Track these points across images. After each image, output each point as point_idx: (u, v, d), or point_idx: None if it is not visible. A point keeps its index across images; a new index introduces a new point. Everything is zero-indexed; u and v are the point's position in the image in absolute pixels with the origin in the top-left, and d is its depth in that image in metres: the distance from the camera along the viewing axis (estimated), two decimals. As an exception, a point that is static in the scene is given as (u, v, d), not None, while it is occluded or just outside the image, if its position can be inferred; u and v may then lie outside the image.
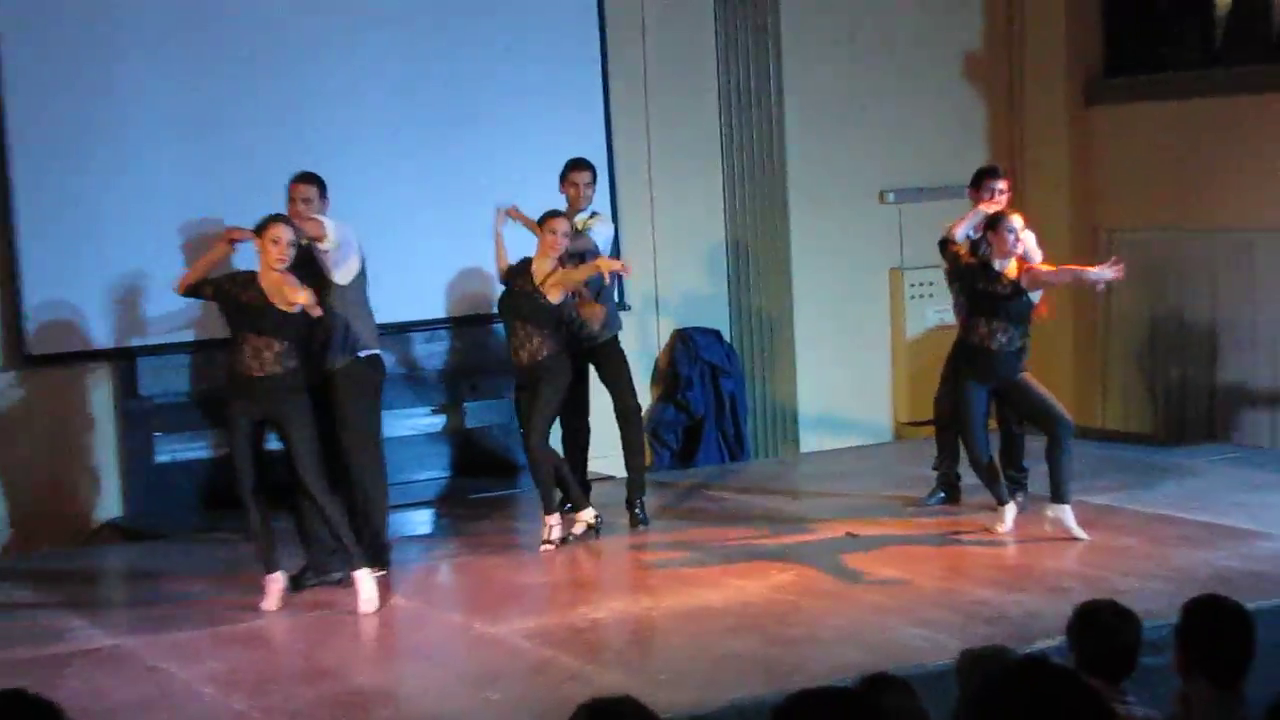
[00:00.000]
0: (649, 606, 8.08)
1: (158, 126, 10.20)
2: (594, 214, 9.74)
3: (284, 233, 8.09)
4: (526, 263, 9.22)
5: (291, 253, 8.12)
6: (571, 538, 9.32)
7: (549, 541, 9.21)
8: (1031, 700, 3.37)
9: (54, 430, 10.21)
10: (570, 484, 9.42)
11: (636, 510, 9.68)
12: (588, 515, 9.39)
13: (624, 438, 9.80)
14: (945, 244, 9.19)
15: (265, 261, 8.09)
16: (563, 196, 9.65)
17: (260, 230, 8.10)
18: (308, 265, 8.38)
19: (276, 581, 8.30)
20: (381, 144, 10.68)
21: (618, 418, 9.77)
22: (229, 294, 8.21)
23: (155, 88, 10.20)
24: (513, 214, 9.42)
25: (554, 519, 9.26)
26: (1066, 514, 8.95)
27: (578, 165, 9.76)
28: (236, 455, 8.27)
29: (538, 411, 9.21)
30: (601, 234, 9.70)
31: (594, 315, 9.49)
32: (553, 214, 9.26)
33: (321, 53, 10.58)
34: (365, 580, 8.16)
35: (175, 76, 10.25)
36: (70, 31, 10.03)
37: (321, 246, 8.45)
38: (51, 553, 9.99)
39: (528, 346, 9.16)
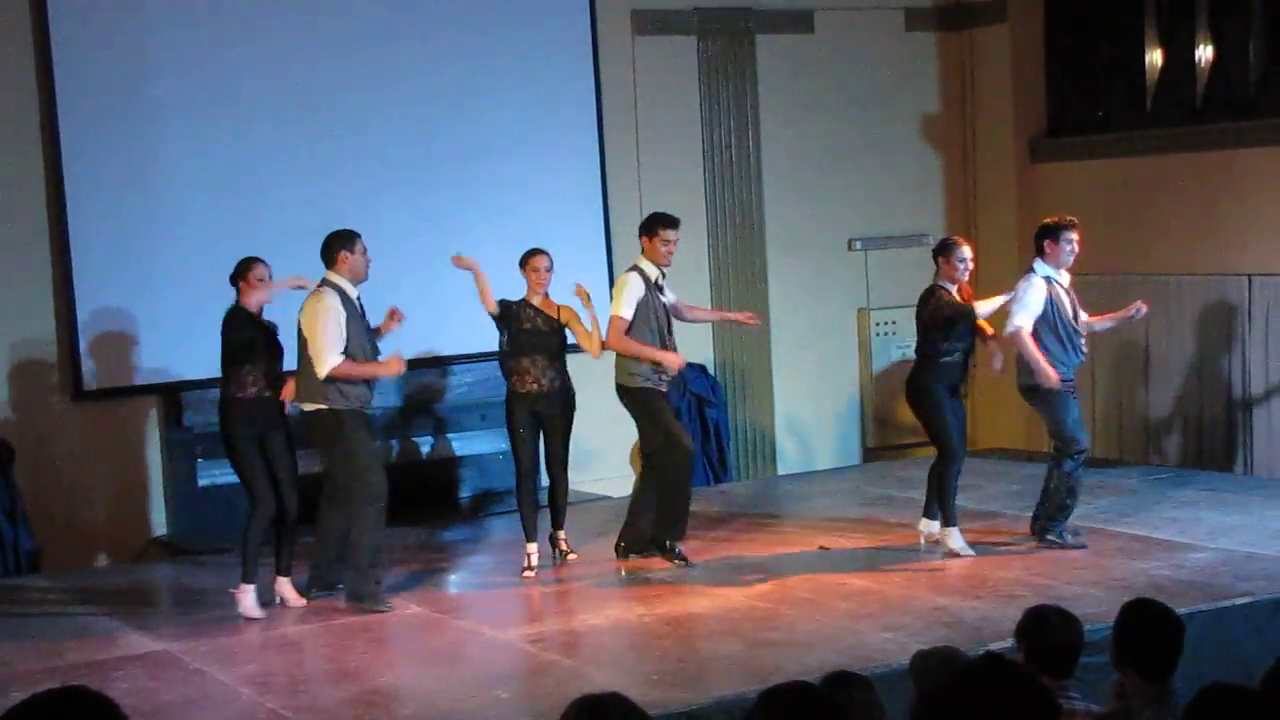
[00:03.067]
0: (642, 614, 8.04)
1: (196, 186, 10.26)
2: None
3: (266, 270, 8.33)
4: (520, 302, 8.88)
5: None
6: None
7: (530, 568, 8.92)
8: (991, 693, 3.37)
9: (107, 457, 10.21)
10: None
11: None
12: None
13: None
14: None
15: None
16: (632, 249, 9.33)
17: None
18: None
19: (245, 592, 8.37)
20: (401, 196, 10.71)
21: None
22: None
23: (193, 150, 10.27)
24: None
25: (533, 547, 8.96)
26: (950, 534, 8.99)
27: (673, 222, 9.11)
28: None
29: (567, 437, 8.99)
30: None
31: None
32: (533, 252, 8.95)
33: (345, 113, 10.64)
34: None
35: (211, 138, 10.29)
36: (119, 101, 10.07)
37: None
38: (103, 566, 9.98)
39: (544, 378, 8.84)
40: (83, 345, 10.01)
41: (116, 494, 10.24)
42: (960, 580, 8.42)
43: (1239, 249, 11.00)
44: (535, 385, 8.84)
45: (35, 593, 9.22)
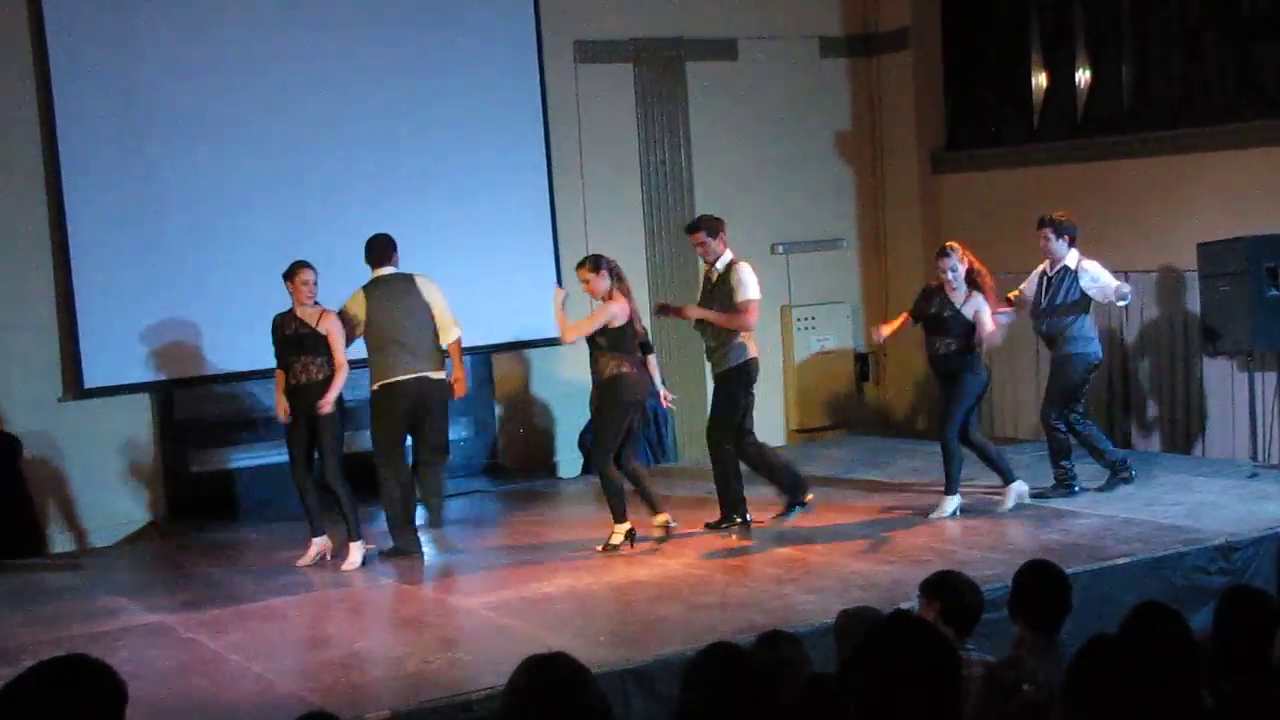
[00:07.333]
0: (590, 582, 8.04)
1: (183, 207, 10.16)
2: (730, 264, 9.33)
3: (310, 274, 8.56)
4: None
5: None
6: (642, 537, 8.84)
7: (612, 546, 8.61)
8: (899, 644, 3.40)
9: (107, 447, 10.10)
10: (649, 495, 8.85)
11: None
12: (660, 520, 8.82)
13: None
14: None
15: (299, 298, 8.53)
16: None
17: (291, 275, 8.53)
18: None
19: (314, 545, 8.61)
20: (364, 210, 10.63)
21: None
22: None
23: (183, 174, 10.16)
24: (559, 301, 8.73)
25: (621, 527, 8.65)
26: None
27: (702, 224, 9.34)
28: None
29: (600, 430, 8.78)
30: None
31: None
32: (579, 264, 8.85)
33: (314, 136, 10.55)
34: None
35: (196, 160, 10.18)
36: (113, 126, 9.98)
37: None
38: (104, 547, 9.88)
39: (604, 369, 8.67)
40: (83, 350, 9.91)
41: (115, 481, 10.13)
42: (874, 547, 8.46)
43: (1113, 248, 11.06)
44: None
45: (43, 571, 9.13)
